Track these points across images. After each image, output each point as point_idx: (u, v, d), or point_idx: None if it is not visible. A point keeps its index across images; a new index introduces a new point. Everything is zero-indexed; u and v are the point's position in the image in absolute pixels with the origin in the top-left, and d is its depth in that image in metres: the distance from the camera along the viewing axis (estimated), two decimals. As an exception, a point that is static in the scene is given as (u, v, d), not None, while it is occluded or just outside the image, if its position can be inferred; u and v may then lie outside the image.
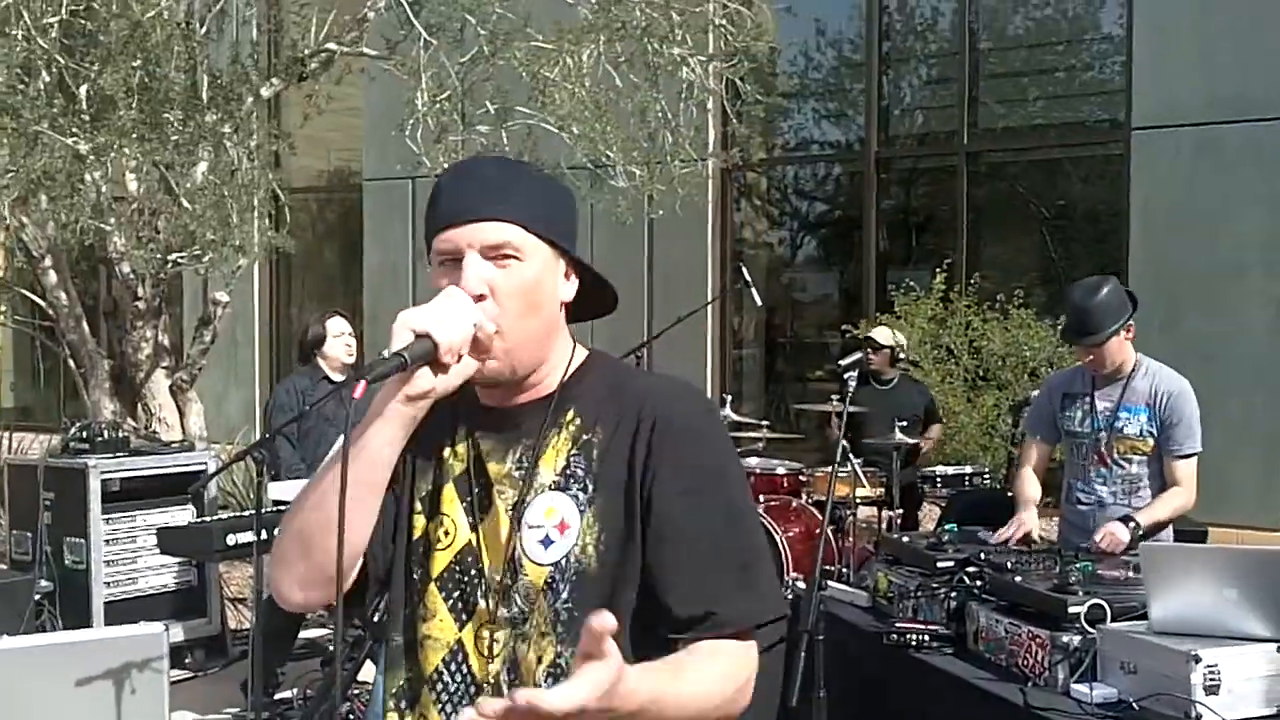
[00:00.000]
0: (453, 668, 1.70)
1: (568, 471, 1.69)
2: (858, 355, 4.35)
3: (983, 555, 3.87)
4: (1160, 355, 4.57)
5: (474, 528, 1.71)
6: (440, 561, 1.72)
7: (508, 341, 1.65)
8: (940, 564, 3.88)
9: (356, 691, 5.35)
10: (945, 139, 10.86)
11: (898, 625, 3.75)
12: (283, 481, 5.16)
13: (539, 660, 1.66)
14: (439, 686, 1.71)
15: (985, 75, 10.79)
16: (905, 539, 4.49)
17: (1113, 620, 3.20)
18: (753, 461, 7.03)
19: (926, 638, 3.63)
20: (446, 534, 1.72)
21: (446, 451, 1.74)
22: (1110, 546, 4.09)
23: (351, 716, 5.28)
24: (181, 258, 7.35)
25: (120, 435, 6.23)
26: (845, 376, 4.12)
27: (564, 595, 1.65)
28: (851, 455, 6.58)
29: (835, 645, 3.64)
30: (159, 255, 7.31)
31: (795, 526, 6.41)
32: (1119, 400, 4.39)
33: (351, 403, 1.55)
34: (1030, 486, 4.47)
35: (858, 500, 6.53)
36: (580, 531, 1.66)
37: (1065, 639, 3.19)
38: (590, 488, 1.68)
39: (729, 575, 1.65)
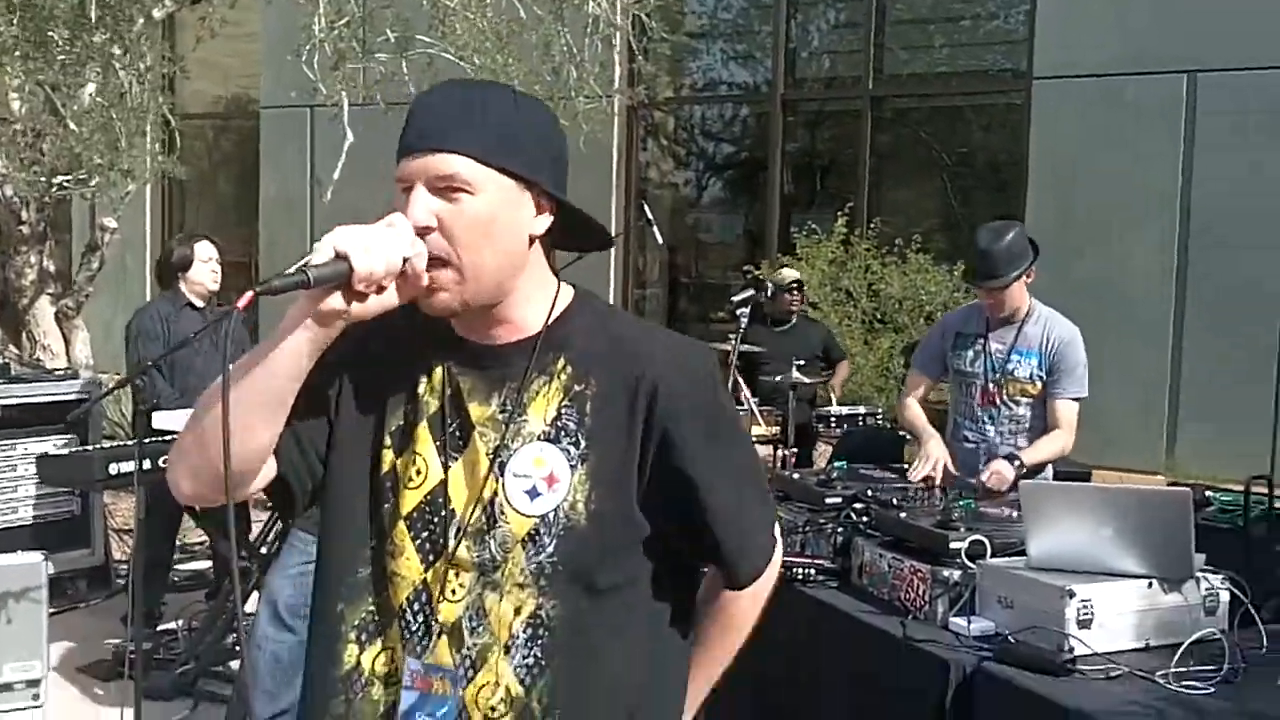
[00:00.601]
0: (415, 607, 1.66)
1: (559, 423, 1.65)
2: (751, 291, 4.35)
3: (870, 492, 3.91)
4: (1053, 301, 4.67)
5: (445, 467, 1.66)
6: (410, 500, 1.67)
7: (463, 276, 1.60)
8: (828, 500, 3.92)
9: (245, 622, 5.29)
10: (851, 83, 10.88)
11: (785, 559, 3.77)
12: (165, 411, 5.04)
13: (516, 611, 1.63)
14: (403, 623, 1.67)
15: (891, 21, 10.80)
16: (796, 475, 4.53)
17: (993, 556, 3.26)
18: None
19: (813, 571, 3.67)
20: (418, 473, 1.67)
21: (422, 387, 1.69)
22: (997, 484, 4.18)
23: (239, 648, 5.22)
24: (67, 182, 7.11)
25: (1, 362, 6.04)
26: (738, 313, 4.13)
27: (549, 549, 1.62)
28: (749, 394, 6.63)
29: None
30: (44, 179, 7.07)
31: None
32: (1012, 343, 4.49)
33: (234, 315, 1.47)
34: (923, 415, 4.57)
35: (754, 439, 6.58)
36: (571, 487, 1.63)
37: (946, 574, 3.24)
38: (583, 443, 1.64)
39: (752, 529, 1.77)
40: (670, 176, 12.29)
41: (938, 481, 4.19)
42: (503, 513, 1.63)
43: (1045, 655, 2.90)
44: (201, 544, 6.50)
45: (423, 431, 1.67)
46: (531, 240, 1.66)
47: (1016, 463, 4.25)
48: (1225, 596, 3.11)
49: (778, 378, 6.65)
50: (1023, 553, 3.22)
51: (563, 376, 1.66)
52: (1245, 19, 8.33)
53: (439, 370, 1.68)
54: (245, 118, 12.82)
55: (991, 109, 10.60)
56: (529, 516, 1.63)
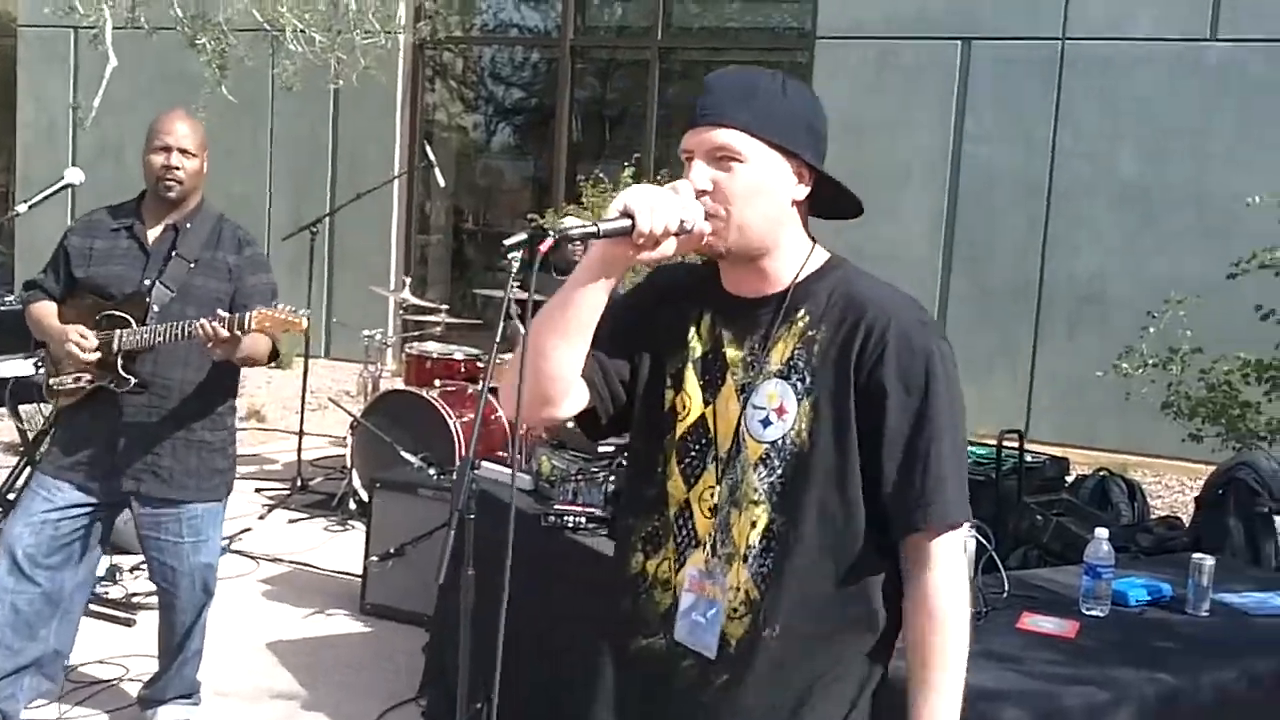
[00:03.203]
0: (680, 522, 1.98)
1: (791, 363, 1.92)
2: (523, 235, 4.28)
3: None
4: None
5: (707, 403, 1.97)
6: (680, 430, 1.99)
7: (728, 227, 1.89)
8: (601, 449, 3.92)
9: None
10: (641, 33, 10.89)
11: (556, 507, 3.77)
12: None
13: (752, 525, 1.91)
14: (676, 537, 1.98)
15: (684, -28, 10.85)
16: (570, 424, 4.52)
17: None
18: (431, 347, 6.95)
19: (583, 520, 3.67)
20: (684, 407, 1.99)
21: (691, 334, 2.01)
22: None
23: None
24: None
25: None
26: (509, 257, 4.05)
27: (779, 471, 1.90)
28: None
29: (492, 526, 3.63)
30: None
31: (469, 412, 6.38)
32: None
33: (536, 256, 1.79)
34: None
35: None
36: (797, 417, 1.90)
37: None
38: (809, 379, 1.90)
39: (926, 484, 1.85)
40: (459, 119, 12.09)
41: None
42: (744, 439, 1.93)
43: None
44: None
45: (690, 370, 2.00)
46: (793, 204, 1.94)
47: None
48: (972, 544, 3.24)
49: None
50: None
51: (799, 324, 1.94)
52: (1017, -9, 8.67)
53: (706, 318, 2.01)
54: (4, 36, 12.02)
55: (777, 66, 10.65)
56: (761, 442, 1.92)
